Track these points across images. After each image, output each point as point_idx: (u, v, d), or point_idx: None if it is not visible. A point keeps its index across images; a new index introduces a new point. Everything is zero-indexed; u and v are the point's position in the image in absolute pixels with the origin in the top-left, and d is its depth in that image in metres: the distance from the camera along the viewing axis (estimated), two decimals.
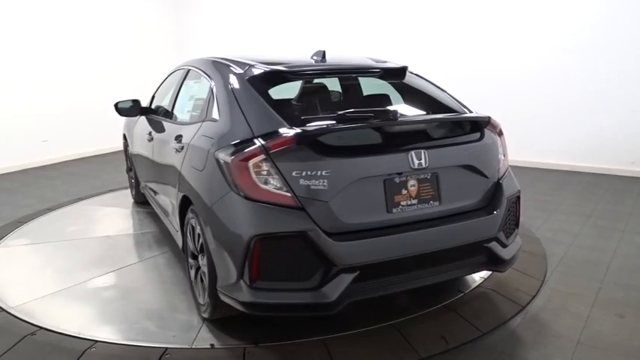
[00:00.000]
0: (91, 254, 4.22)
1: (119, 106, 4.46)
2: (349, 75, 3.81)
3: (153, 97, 4.90)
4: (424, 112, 3.35)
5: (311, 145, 2.55)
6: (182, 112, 3.98)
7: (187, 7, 10.86)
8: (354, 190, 2.59)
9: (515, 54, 7.38)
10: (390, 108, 3.16)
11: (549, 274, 3.70)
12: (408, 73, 3.54)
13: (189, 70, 4.02)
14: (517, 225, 3.24)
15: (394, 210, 2.69)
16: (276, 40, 9.59)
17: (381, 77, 3.50)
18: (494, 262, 2.99)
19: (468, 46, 7.78)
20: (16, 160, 7.94)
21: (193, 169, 3.02)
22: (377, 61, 3.71)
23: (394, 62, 3.66)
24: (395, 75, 3.54)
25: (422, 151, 2.73)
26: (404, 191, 2.71)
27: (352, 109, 2.90)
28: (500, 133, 3.18)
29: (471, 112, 3.28)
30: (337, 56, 3.82)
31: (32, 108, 8.19)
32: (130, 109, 4.46)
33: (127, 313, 3.22)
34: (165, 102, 4.46)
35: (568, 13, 6.86)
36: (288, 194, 2.50)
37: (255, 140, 2.61)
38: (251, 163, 2.54)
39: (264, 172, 2.52)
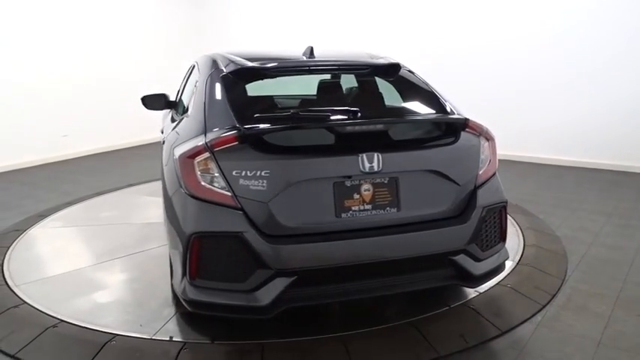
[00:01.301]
0: (123, 239, 4.29)
1: (146, 99, 4.49)
2: (332, 72, 3.65)
3: (178, 90, 4.93)
4: (396, 113, 3.21)
5: (253, 144, 2.51)
6: (181, 106, 4.03)
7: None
8: (299, 192, 2.51)
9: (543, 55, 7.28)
10: (351, 107, 2.84)
11: (570, 273, 3.65)
12: (402, 70, 3.39)
13: (194, 66, 4.04)
14: (502, 238, 2.99)
15: (343, 215, 2.56)
16: (297, 36, 9.55)
17: (370, 74, 3.42)
18: (462, 277, 2.77)
19: (476, 45, 7.69)
20: (37, 154, 8.04)
21: (163, 164, 3.10)
22: (372, 58, 3.54)
23: (388, 59, 3.51)
24: (383, 72, 3.44)
25: (375, 153, 2.56)
26: (356, 196, 2.58)
27: (309, 108, 2.83)
28: (488, 138, 2.93)
29: (453, 113, 3.01)
30: (329, 53, 3.67)
31: (53, 103, 8.29)
32: (156, 103, 4.47)
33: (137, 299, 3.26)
34: (179, 96, 4.51)
35: None
36: (228, 194, 2.47)
37: (203, 138, 2.60)
38: (195, 160, 2.52)
39: (208, 171, 2.50)
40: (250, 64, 3.15)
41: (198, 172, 2.51)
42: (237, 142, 2.50)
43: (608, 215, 4.96)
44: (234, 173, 2.46)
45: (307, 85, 3.86)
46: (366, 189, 2.59)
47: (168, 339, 2.86)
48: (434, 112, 3.04)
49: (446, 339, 2.83)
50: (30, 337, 2.89)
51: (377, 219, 2.61)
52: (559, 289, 3.40)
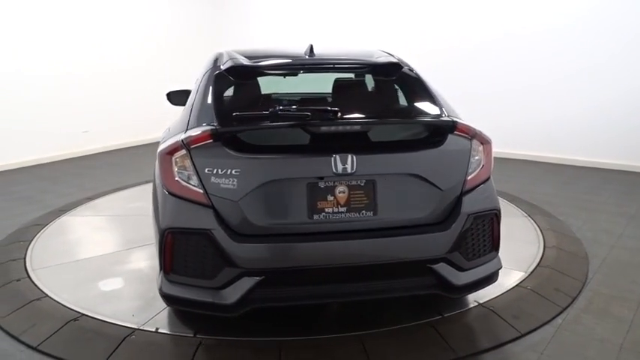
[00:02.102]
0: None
1: (171, 94, 4.50)
2: (327, 71, 3.54)
3: None
4: (384, 113, 3.13)
5: (226, 142, 2.52)
6: None
7: None
8: (270, 192, 2.51)
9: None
10: (330, 107, 2.73)
11: (591, 276, 3.60)
12: (404, 69, 3.26)
13: None
14: (494, 248, 2.85)
15: (315, 217, 2.52)
16: (319, 33, 9.53)
17: (369, 73, 3.35)
18: (443, 287, 2.65)
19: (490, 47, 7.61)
20: (58, 150, 8.14)
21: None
22: (374, 56, 3.40)
23: (390, 57, 3.38)
24: (382, 71, 3.36)
25: (349, 155, 2.50)
26: (330, 197, 2.53)
27: (290, 107, 2.78)
28: (482, 141, 2.79)
29: (443, 115, 2.86)
30: (331, 51, 3.62)
31: (74, 99, 8.39)
32: (181, 98, 4.48)
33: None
34: None
35: None
36: (200, 191, 2.49)
37: (182, 135, 2.62)
38: (173, 157, 2.55)
39: (184, 168, 2.54)
40: (245, 62, 3.16)
41: (175, 169, 2.55)
42: (211, 140, 2.51)
43: (631, 217, 4.88)
44: (206, 171, 2.49)
45: (311, 84, 3.81)
46: (341, 191, 2.54)
47: (186, 335, 2.87)
48: (424, 113, 2.94)
49: (464, 340, 2.81)
50: (51, 330, 2.93)
51: (351, 222, 2.55)
52: (580, 292, 3.35)
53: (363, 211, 2.55)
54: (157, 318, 3.06)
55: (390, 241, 2.56)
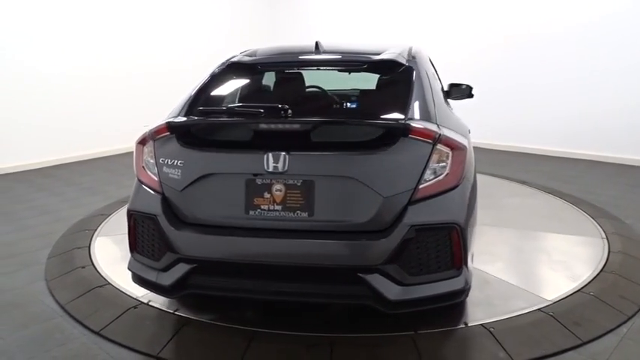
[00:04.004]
0: None
1: None
2: (319, 67, 3.52)
3: None
4: (346, 113, 3.02)
5: (178, 135, 2.68)
6: None
7: None
8: (210, 185, 2.59)
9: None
10: (281, 105, 2.62)
11: None
12: (402, 66, 3.06)
13: None
14: (453, 266, 2.54)
15: (251, 212, 2.54)
16: (379, 29, 9.50)
17: (363, 71, 3.21)
18: (375, 299, 2.46)
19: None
20: (121, 143, 8.46)
21: None
22: (379, 53, 3.20)
23: (392, 55, 3.17)
24: (376, 69, 3.22)
25: (281, 154, 2.48)
26: (266, 195, 2.53)
27: (243, 104, 2.81)
28: (452, 147, 2.53)
29: (404, 118, 2.61)
30: (337, 47, 3.56)
31: (136, 96, 8.69)
32: None
33: None
34: None
35: None
36: (156, 179, 2.69)
37: (154, 126, 2.80)
38: (143, 147, 2.79)
39: (149, 156, 2.75)
40: (242, 59, 3.29)
41: (143, 157, 2.78)
42: (168, 132, 2.69)
43: None
44: (161, 160, 2.69)
45: (319, 80, 3.75)
46: (278, 189, 2.53)
47: (241, 327, 2.92)
48: (384, 115, 2.74)
49: (521, 345, 2.72)
50: (112, 316, 3.05)
51: (285, 221, 2.52)
52: None
53: (298, 212, 2.51)
54: (211, 309, 3.12)
55: (320, 244, 2.47)
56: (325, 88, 3.74)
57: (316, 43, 3.39)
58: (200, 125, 2.79)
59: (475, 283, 3.41)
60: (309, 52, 3.40)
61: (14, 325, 2.98)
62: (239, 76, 3.35)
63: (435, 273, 2.52)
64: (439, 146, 2.50)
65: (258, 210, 2.54)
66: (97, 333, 2.89)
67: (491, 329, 2.85)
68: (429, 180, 2.48)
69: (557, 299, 3.17)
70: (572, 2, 7.42)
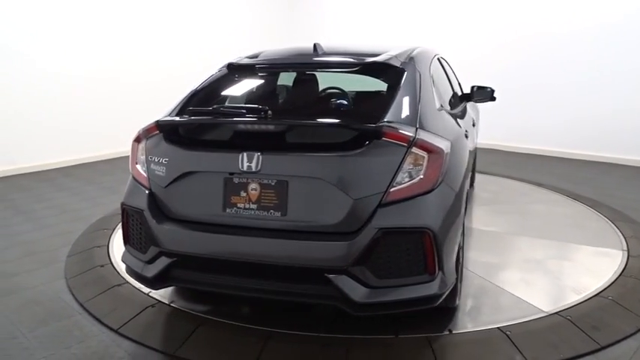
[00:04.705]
0: None
1: None
2: (310, 70, 3.60)
3: None
4: (316, 115, 2.99)
5: (165, 134, 2.79)
6: None
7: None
8: (191, 182, 2.69)
9: None
10: (261, 106, 2.68)
11: None
12: (395, 69, 3.04)
13: None
14: (425, 271, 2.49)
15: (228, 210, 2.61)
16: (396, 32, 9.49)
17: (355, 73, 3.22)
18: (341, 301, 2.46)
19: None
20: None
21: None
22: (374, 56, 3.16)
23: (385, 57, 3.13)
24: (369, 72, 3.22)
25: (255, 153, 2.52)
26: (243, 193, 2.59)
27: (226, 105, 2.88)
28: (429, 150, 2.48)
29: (380, 121, 2.57)
30: (339, 49, 3.57)
31: (156, 98, 8.76)
32: None
33: None
34: None
35: None
36: (145, 175, 2.82)
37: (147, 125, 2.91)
38: (138, 144, 2.92)
39: (141, 153, 2.88)
40: (239, 61, 3.39)
41: (137, 154, 2.91)
42: (157, 131, 2.81)
43: None
44: (149, 158, 2.81)
45: (323, 80, 3.77)
46: (253, 188, 2.58)
47: (257, 327, 2.94)
48: (361, 117, 2.71)
49: (538, 349, 2.70)
50: (130, 314, 3.09)
51: (260, 220, 2.58)
52: None
53: (272, 211, 2.55)
54: (227, 309, 3.16)
55: (290, 244, 2.50)
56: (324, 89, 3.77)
57: (314, 45, 3.43)
58: (184, 124, 2.89)
59: (489, 287, 3.41)
60: (307, 55, 3.47)
61: (35, 322, 3.04)
62: (236, 77, 3.42)
63: (406, 277, 2.50)
64: (414, 149, 2.47)
65: (235, 208, 2.61)
66: (116, 331, 2.93)
67: (508, 333, 2.84)
68: (403, 183, 2.45)
69: (576, 303, 3.14)
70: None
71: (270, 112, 2.65)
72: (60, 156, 7.57)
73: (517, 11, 8.11)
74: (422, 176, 2.46)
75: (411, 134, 2.49)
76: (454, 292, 2.85)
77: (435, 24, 9.00)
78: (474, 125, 4.57)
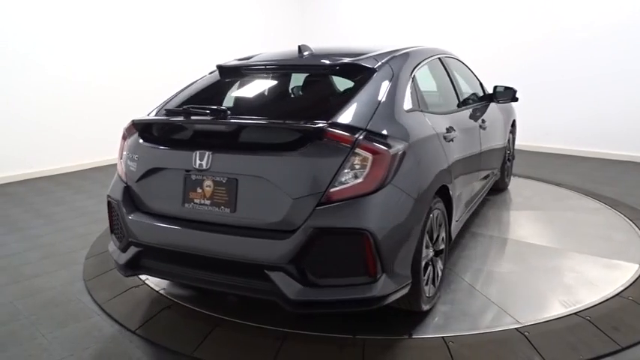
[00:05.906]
0: None
1: None
2: (289, 72, 3.73)
3: None
4: (272, 115, 2.99)
5: (140, 131, 2.98)
6: None
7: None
8: (156, 178, 2.87)
9: None
10: (218, 107, 2.76)
11: None
12: (369, 71, 3.03)
13: None
14: (365, 272, 2.47)
15: (186, 205, 2.75)
16: (411, 32, 9.46)
17: (332, 75, 3.31)
18: (277, 296, 2.49)
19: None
20: None
21: None
22: (355, 56, 3.22)
23: (359, 59, 3.15)
24: (344, 73, 3.20)
25: (206, 152, 2.66)
26: (199, 190, 2.71)
27: (193, 105, 2.98)
28: (374, 152, 2.48)
29: (331, 122, 2.55)
30: (322, 51, 3.60)
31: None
32: None
33: None
34: None
35: None
36: (124, 169, 3.03)
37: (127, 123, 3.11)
38: (123, 141, 3.10)
39: (123, 150, 3.09)
40: (226, 63, 3.56)
41: (122, 151, 3.10)
42: (135, 130, 3.01)
43: None
44: (127, 154, 3.02)
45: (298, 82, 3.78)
46: (208, 185, 2.69)
47: (272, 328, 2.95)
48: (310, 117, 2.64)
49: (556, 350, 2.66)
50: (148, 315, 3.13)
51: (211, 215, 2.69)
52: None
53: (222, 207, 2.66)
54: (243, 310, 3.17)
55: (235, 240, 2.59)
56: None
57: (299, 47, 3.48)
58: (152, 123, 3.04)
59: (506, 287, 3.38)
60: (290, 58, 3.56)
61: (54, 323, 3.08)
62: (222, 79, 3.54)
63: (344, 277, 2.50)
64: (358, 150, 2.46)
65: (192, 203, 2.74)
66: (133, 332, 2.96)
67: (526, 333, 2.81)
68: (344, 184, 2.44)
69: (595, 303, 3.10)
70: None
71: (229, 112, 2.75)
72: (77, 160, 7.67)
73: (533, 9, 8.03)
74: (363, 178, 2.45)
75: (354, 135, 2.50)
76: (416, 296, 2.84)
77: (450, 23, 8.95)
78: (501, 125, 4.76)
